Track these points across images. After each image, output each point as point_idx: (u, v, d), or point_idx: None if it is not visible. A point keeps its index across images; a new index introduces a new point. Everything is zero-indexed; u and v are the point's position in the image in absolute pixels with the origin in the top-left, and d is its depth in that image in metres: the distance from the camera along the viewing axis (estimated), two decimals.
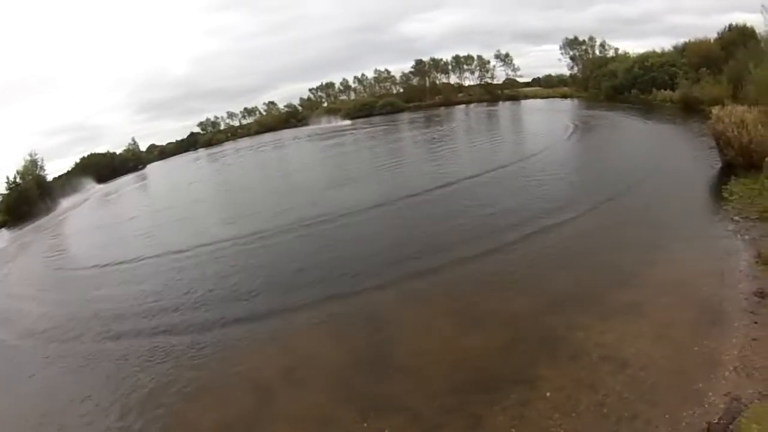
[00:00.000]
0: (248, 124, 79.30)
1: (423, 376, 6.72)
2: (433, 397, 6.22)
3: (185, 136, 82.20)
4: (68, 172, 64.03)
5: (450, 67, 65.39)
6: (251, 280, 11.71)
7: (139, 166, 68.48)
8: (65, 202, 46.21)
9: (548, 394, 5.91)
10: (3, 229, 38.26)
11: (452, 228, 12.64)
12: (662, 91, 34.79)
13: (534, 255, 10.25)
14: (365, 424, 5.93)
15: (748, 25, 29.78)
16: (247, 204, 21.84)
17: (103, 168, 63.02)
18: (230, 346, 8.69)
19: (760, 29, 22.68)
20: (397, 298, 9.40)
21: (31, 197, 44.68)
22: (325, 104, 73.68)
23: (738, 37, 28.83)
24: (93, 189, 52.87)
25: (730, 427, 4.92)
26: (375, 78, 71.05)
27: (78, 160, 66.06)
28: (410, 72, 67.34)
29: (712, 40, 33.75)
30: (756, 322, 6.59)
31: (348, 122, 57.56)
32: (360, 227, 14.56)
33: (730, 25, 32.59)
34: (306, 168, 30.43)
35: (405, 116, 47.44)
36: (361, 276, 10.69)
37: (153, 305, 11.43)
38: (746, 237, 9.31)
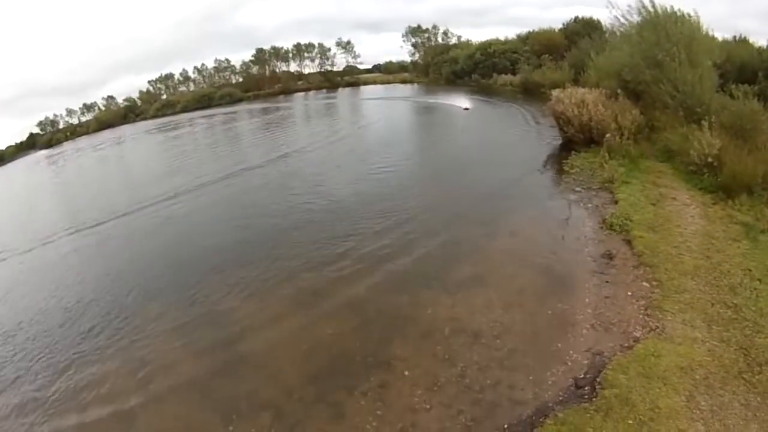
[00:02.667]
0: (87, 121, 72.35)
1: (278, 370, 6.35)
2: (291, 391, 5.88)
3: (25, 138, 73.98)
4: None
5: (291, 55, 64.39)
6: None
7: None
8: None
9: (406, 372, 5.84)
10: None
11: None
12: (503, 75, 36.87)
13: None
14: (231, 428, 5.48)
15: (594, 18, 32.68)
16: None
17: None
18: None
19: (605, 22, 25.28)
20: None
21: None
22: (164, 96, 69.70)
23: (582, 28, 31.58)
24: None
25: (597, 379, 5.11)
26: (215, 68, 68.55)
27: None
28: (250, 61, 65.54)
29: (556, 30, 36.35)
30: (607, 281, 7.01)
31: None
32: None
33: (576, 17, 35.44)
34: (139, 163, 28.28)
35: (243, 107, 46.77)
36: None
37: None
38: (589, 205, 9.94)
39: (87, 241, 13.71)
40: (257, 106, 43.26)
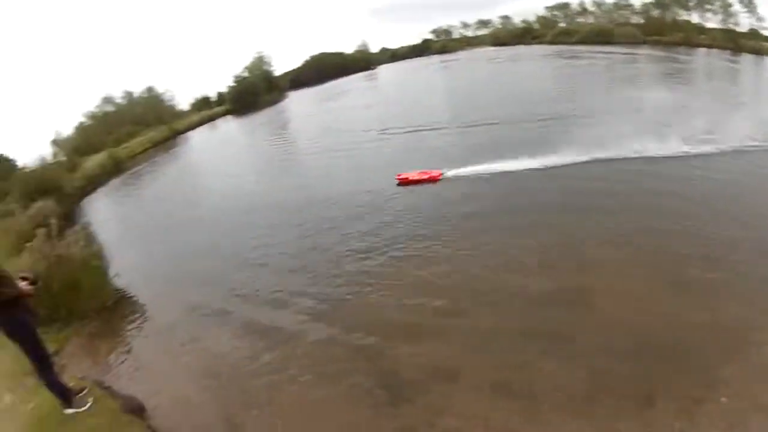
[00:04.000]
0: (482, 36, 75.65)
1: None
2: None
3: (418, 42, 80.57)
4: (297, 68, 68.36)
5: (691, 4, 55.55)
6: None
7: (371, 67, 68.88)
8: (293, 95, 52.21)
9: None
10: (230, 116, 46.67)
11: None
12: None
13: None
14: None
15: None
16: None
17: (332, 66, 65.03)
18: None
19: None
20: None
21: (258, 90, 50.87)
22: (562, 24, 66.71)
23: None
24: (320, 86, 55.31)
25: None
26: (615, 4, 62.58)
27: (309, 58, 69.18)
28: (650, 3, 58.29)
29: None
30: None
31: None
32: None
33: None
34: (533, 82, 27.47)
35: (643, 50, 40.26)
36: None
37: None
38: None
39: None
40: (659, 53, 38.08)
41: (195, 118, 49.90)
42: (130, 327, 7.95)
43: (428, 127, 18.29)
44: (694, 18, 55.73)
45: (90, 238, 9.41)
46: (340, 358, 5.79)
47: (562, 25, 67.36)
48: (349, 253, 8.81)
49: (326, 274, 8.12)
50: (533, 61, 41.33)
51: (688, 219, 8.01)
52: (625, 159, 11.06)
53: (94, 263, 8.87)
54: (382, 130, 19.76)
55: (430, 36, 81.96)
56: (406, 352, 5.62)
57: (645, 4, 59.69)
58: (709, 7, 54.60)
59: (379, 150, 16.82)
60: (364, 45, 75.71)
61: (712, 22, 54.22)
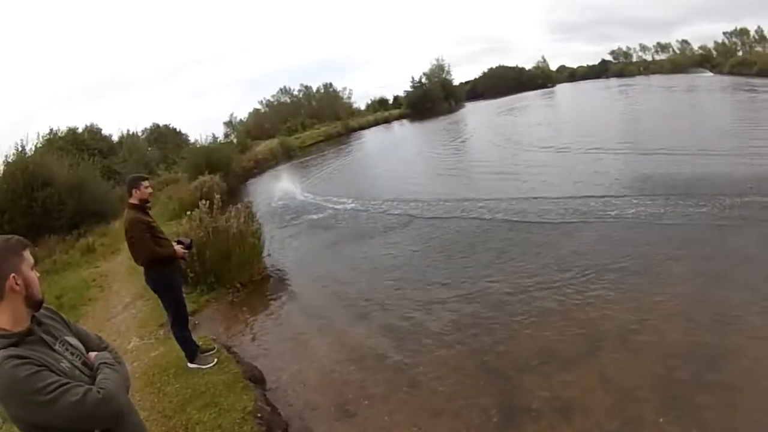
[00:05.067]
0: (660, 60, 74.37)
1: None
2: None
3: (596, 62, 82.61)
4: (475, 79, 71.60)
5: None
6: None
7: (548, 84, 70.15)
8: (469, 105, 52.19)
9: None
10: (405, 120, 48.05)
11: None
12: None
13: None
14: None
15: None
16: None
17: (510, 80, 66.55)
18: None
19: None
20: None
21: (435, 96, 52.47)
22: (740, 53, 63.26)
23: None
24: (496, 99, 56.06)
25: None
26: None
27: (486, 70, 72.40)
28: None
29: None
30: None
31: None
32: None
33: None
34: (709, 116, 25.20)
35: None
36: None
37: None
38: None
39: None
40: None
41: (370, 117, 52.52)
42: (271, 304, 8.22)
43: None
44: None
45: (250, 216, 10.12)
46: (469, 373, 5.48)
47: (739, 53, 62.79)
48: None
49: (491, 292, 7.44)
50: (710, 92, 37.50)
51: None
52: None
53: (250, 240, 9.31)
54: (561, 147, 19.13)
55: (608, 57, 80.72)
56: (534, 381, 5.20)
57: None
58: None
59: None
60: (543, 62, 74.87)
61: None
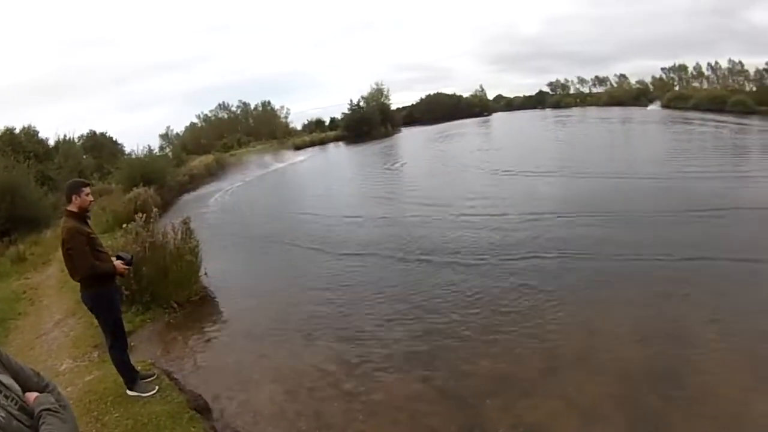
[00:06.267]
0: (598, 93, 76.60)
1: None
2: None
3: (533, 93, 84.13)
4: (413, 105, 72.58)
5: None
6: None
7: (485, 113, 71.49)
8: (405, 131, 53.66)
9: None
10: (341, 142, 48.88)
11: None
12: None
13: None
14: None
15: None
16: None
17: (447, 107, 67.98)
18: None
19: None
20: None
21: (373, 120, 52.99)
22: (677, 87, 66.56)
23: None
24: (433, 126, 57.50)
25: None
26: (729, 69, 61.74)
27: (424, 96, 72.98)
28: (764, 69, 55.60)
29: None
30: None
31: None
32: None
33: None
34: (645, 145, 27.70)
35: (755, 121, 36.77)
36: None
37: None
38: None
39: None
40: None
41: (306, 138, 52.41)
42: (211, 326, 7.79)
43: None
44: None
45: (188, 233, 9.65)
46: (423, 398, 5.37)
47: (676, 87, 66.53)
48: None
49: (443, 316, 7.35)
50: (644, 124, 40.31)
51: None
52: None
53: (188, 258, 8.87)
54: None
55: (546, 89, 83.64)
56: (495, 405, 5.11)
57: (758, 71, 57.90)
58: None
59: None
60: (481, 90, 77.43)
61: None
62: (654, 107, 57.45)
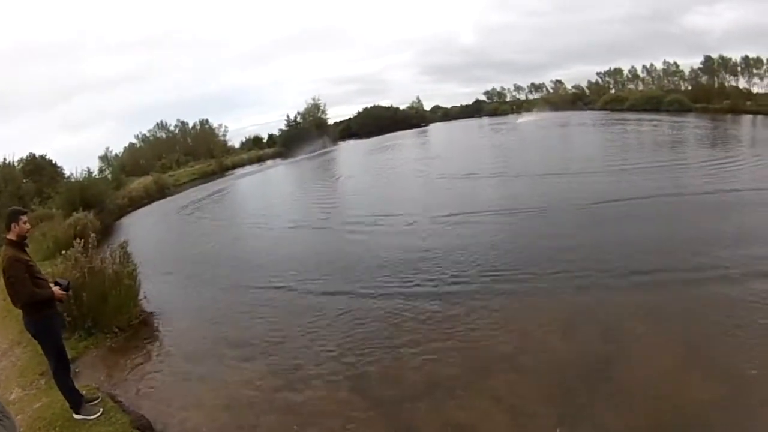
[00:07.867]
0: (534, 99, 77.47)
1: None
2: None
3: (470, 102, 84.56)
4: (350, 118, 72.68)
5: (739, 69, 55.38)
6: None
7: (422, 124, 71.72)
8: (342, 144, 54.30)
9: None
10: (279, 159, 49.36)
11: None
12: None
13: None
14: None
15: None
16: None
17: (384, 120, 67.77)
18: None
19: None
20: None
21: (309, 135, 53.05)
22: (613, 90, 69.10)
23: None
24: (370, 139, 57.58)
25: None
26: (664, 70, 64.14)
27: (361, 110, 72.96)
28: (699, 69, 58.76)
29: None
30: None
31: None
32: None
33: None
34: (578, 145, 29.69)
35: (690, 119, 39.11)
36: None
37: None
38: None
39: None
40: (705, 122, 36.18)
41: (244, 156, 52.13)
42: (151, 349, 7.93)
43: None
44: (741, 83, 55.80)
45: (126, 257, 9.62)
46: (356, 406, 5.61)
47: (612, 91, 69.22)
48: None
49: (373, 326, 7.77)
50: (581, 126, 42.30)
51: None
52: None
53: (126, 282, 8.93)
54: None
55: (482, 97, 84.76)
56: (426, 409, 5.47)
57: (693, 70, 60.56)
58: (755, 71, 54.99)
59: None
60: (418, 102, 78.35)
61: (759, 88, 54.68)
62: (523, 119, 58.66)
